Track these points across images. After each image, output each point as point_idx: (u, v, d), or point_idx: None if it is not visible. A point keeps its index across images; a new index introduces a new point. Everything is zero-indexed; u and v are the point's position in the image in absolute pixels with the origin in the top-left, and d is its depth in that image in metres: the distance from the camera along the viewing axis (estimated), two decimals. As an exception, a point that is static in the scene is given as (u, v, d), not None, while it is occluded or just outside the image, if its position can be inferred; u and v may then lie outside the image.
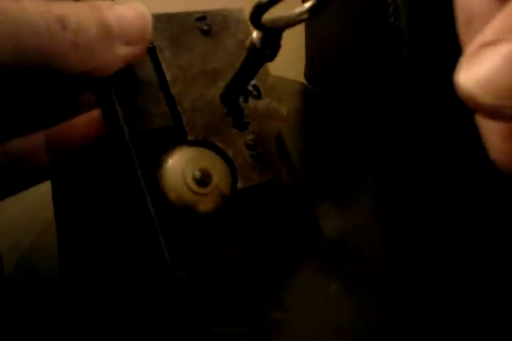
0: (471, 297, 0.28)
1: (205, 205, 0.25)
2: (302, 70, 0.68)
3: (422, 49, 0.50)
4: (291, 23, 0.23)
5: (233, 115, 0.28)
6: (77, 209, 0.32)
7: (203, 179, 0.25)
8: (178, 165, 0.25)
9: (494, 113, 0.14)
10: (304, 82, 0.66)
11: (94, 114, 0.27)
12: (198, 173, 0.25)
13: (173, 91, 0.26)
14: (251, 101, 0.28)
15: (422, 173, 0.42)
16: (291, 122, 0.57)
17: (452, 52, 0.22)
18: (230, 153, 0.27)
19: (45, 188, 0.34)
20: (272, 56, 0.24)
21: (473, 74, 0.14)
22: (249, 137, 0.28)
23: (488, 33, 0.13)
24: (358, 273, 0.30)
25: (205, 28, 0.28)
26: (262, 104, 0.29)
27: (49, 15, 0.20)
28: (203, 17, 0.28)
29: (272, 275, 0.29)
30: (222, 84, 0.28)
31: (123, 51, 0.23)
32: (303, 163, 0.49)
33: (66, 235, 0.33)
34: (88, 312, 0.29)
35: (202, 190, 0.25)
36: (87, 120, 0.26)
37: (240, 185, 0.26)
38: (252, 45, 0.24)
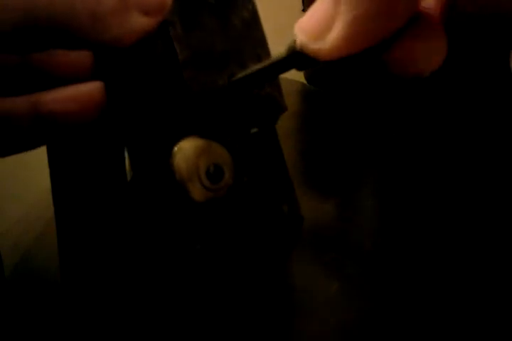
0: (472, 295, 0.28)
1: (208, 196, 0.25)
2: (302, 70, 0.68)
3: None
4: None
5: (240, 105, 0.27)
6: (77, 209, 0.32)
7: (216, 175, 0.25)
8: (192, 159, 0.25)
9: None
10: (304, 82, 0.66)
11: (71, 91, 0.24)
12: (212, 168, 0.25)
13: (186, 75, 0.25)
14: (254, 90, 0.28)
15: (422, 172, 0.42)
16: (291, 122, 0.57)
17: (450, 52, 0.22)
18: (236, 145, 0.26)
19: (45, 188, 0.34)
20: (306, 65, 0.23)
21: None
22: (254, 130, 0.27)
23: None
24: (359, 273, 0.30)
25: (213, 2, 0.27)
26: (263, 93, 0.28)
27: None
28: None
29: (275, 275, 0.29)
30: (231, 69, 0.27)
31: (140, 22, 0.22)
32: (303, 163, 0.49)
33: (66, 235, 0.33)
34: (88, 312, 0.29)
35: (214, 186, 0.25)
36: (67, 96, 0.25)
37: (246, 179, 0.26)
38: (293, 47, 0.23)
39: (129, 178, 0.33)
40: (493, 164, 0.43)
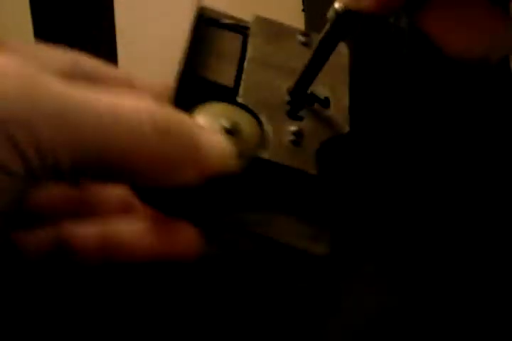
0: (473, 296, 0.28)
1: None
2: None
3: (422, 49, 0.50)
4: None
5: (293, 104, 0.28)
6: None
7: (232, 131, 0.25)
8: (210, 116, 0.26)
9: None
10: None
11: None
12: (228, 124, 0.25)
13: (246, 67, 0.28)
14: (317, 106, 0.29)
15: (423, 172, 0.42)
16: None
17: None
18: (270, 128, 0.27)
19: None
20: (351, 27, 0.25)
21: None
22: (300, 127, 0.28)
23: None
24: (361, 274, 0.30)
25: (305, 41, 0.30)
26: (326, 112, 0.29)
27: (153, 127, 0.19)
28: (306, 34, 0.31)
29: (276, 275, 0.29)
30: (292, 82, 0.29)
31: (189, 176, 0.21)
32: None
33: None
34: (88, 312, 0.29)
35: (230, 139, 0.25)
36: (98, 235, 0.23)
37: (266, 155, 0.26)
38: (335, 14, 0.25)
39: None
40: (493, 164, 0.43)
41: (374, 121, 0.51)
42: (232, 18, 0.30)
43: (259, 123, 0.27)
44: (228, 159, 0.22)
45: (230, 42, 0.29)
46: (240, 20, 0.31)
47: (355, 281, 0.30)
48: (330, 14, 0.26)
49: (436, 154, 0.45)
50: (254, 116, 0.27)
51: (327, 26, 0.26)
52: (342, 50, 0.31)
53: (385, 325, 0.26)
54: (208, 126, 0.25)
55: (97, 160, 0.18)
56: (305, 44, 0.30)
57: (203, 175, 0.21)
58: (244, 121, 0.27)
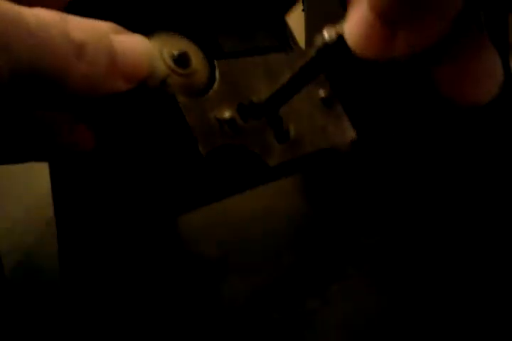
0: (473, 296, 0.28)
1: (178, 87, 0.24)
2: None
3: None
4: None
5: (251, 108, 0.26)
6: (77, 209, 0.32)
7: (181, 59, 0.24)
8: (159, 42, 0.24)
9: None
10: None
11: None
12: (176, 53, 0.24)
13: (237, 59, 0.26)
14: (272, 136, 0.26)
15: (422, 171, 0.42)
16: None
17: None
18: (213, 96, 0.25)
19: (45, 188, 0.34)
20: (336, 61, 0.22)
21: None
22: (234, 118, 0.25)
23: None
24: (360, 273, 0.30)
25: (324, 95, 0.28)
26: (272, 137, 0.26)
27: (67, 40, 0.20)
28: (331, 92, 0.29)
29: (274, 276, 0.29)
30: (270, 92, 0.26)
31: (118, 86, 0.22)
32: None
33: (66, 235, 0.33)
34: (87, 312, 0.29)
35: (179, 70, 0.24)
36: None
37: (181, 100, 0.24)
38: (322, 43, 0.22)
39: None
40: (493, 164, 0.43)
41: (375, 125, 0.51)
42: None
43: (211, 82, 0.25)
44: (146, 60, 0.23)
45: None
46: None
47: (355, 281, 0.30)
48: (318, 40, 0.22)
49: (437, 153, 0.45)
50: (212, 73, 0.25)
51: (311, 52, 0.22)
52: (348, 130, 0.29)
53: (385, 325, 0.26)
54: (158, 48, 0.24)
55: (29, 72, 0.19)
56: (324, 100, 0.28)
57: (130, 80, 0.22)
58: (199, 68, 0.25)
